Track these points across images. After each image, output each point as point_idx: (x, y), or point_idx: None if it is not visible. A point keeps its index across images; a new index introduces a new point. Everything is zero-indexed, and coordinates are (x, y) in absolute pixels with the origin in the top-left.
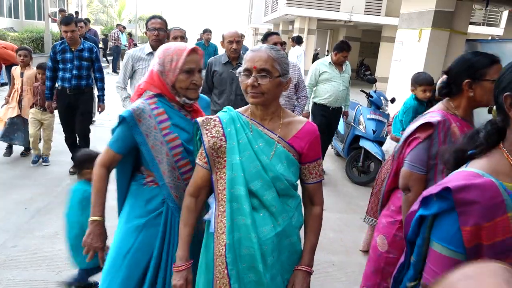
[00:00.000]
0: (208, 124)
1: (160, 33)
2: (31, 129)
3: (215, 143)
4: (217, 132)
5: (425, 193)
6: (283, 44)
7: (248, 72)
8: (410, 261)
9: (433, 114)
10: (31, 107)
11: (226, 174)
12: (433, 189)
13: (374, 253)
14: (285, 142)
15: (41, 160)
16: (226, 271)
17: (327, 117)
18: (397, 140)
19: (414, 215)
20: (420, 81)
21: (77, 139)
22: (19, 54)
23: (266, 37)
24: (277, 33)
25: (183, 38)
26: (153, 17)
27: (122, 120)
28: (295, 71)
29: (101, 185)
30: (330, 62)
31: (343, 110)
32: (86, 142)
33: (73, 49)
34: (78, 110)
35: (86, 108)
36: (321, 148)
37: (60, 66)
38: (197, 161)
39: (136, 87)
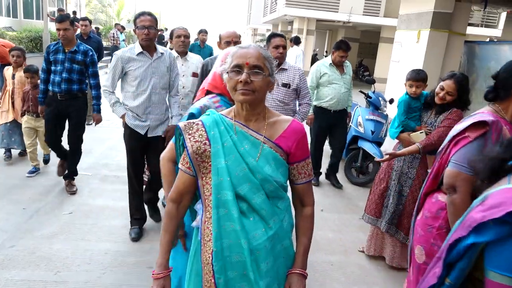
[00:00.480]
0: (191, 128)
1: (150, 31)
2: (27, 139)
3: (198, 148)
4: (201, 136)
5: (479, 218)
6: (285, 47)
7: (239, 68)
8: (444, 283)
9: (484, 115)
10: (23, 114)
11: (212, 179)
12: (489, 213)
13: (414, 265)
14: (271, 143)
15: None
16: (213, 280)
17: (327, 121)
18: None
19: (457, 242)
20: (408, 75)
21: (67, 146)
22: (12, 55)
23: (269, 39)
24: (281, 35)
25: (187, 37)
26: (142, 13)
27: (191, 116)
28: (297, 75)
29: (172, 178)
30: (330, 63)
31: (346, 112)
32: (77, 154)
33: (66, 50)
34: (70, 120)
35: (78, 119)
36: (322, 155)
37: (52, 68)
38: (179, 166)
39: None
